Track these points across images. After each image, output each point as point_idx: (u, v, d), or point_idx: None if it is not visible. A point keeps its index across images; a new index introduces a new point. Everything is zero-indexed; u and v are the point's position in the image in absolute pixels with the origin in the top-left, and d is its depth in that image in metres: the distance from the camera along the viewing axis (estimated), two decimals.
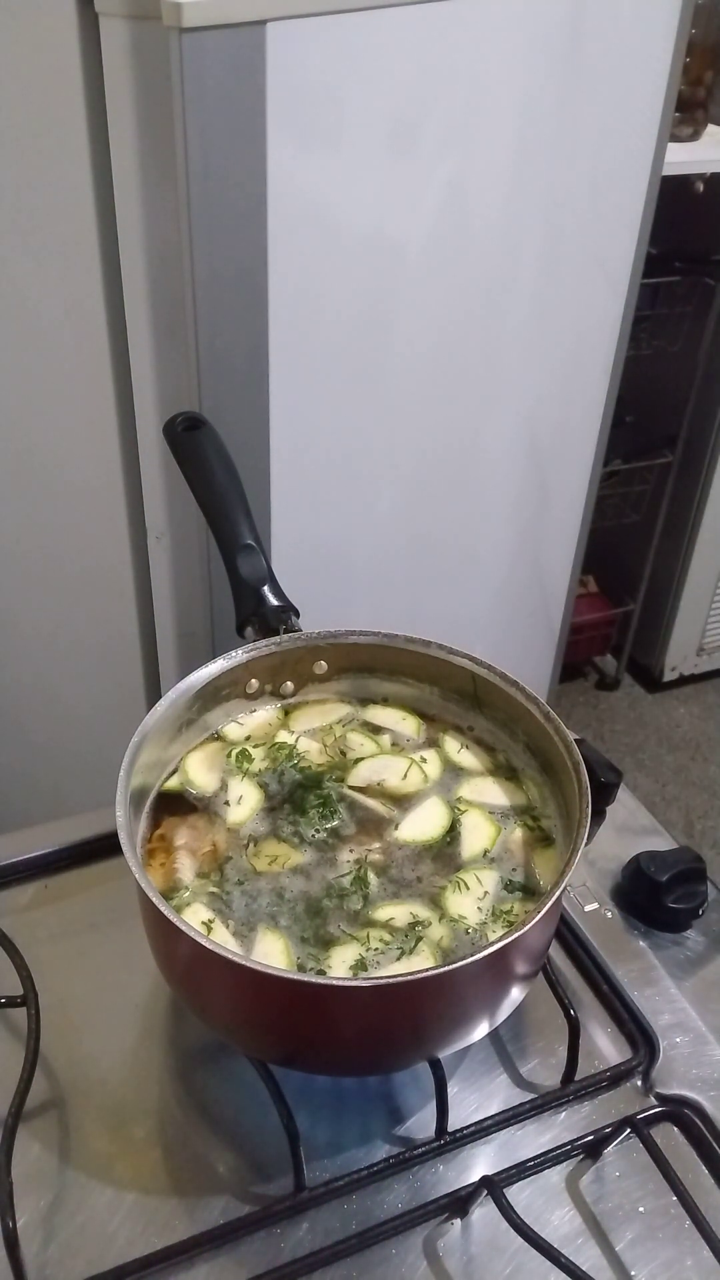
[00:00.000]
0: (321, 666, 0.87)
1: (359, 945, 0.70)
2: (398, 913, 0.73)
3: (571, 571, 1.75)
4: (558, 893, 0.66)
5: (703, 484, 2.20)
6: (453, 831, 0.78)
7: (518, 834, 0.78)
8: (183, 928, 0.63)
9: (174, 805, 0.80)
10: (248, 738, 0.85)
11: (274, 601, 0.87)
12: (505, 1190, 0.69)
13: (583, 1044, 0.76)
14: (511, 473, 1.46)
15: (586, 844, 0.68)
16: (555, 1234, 0.68)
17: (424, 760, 0.84)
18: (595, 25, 1.15)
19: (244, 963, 0.63)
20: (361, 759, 0.84)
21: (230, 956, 0.62)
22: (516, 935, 0.64)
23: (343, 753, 0.84)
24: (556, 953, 0.85)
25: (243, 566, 0.87)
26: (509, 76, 1.11)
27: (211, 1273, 0.67)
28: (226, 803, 0.80)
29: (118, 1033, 0.79)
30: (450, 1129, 0.72)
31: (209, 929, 0.71)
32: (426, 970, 0.62)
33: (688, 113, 1.82)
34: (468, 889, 0.74)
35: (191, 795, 0.81)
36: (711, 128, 1.90)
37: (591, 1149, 0.73)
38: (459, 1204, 0.69)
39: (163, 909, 0.64)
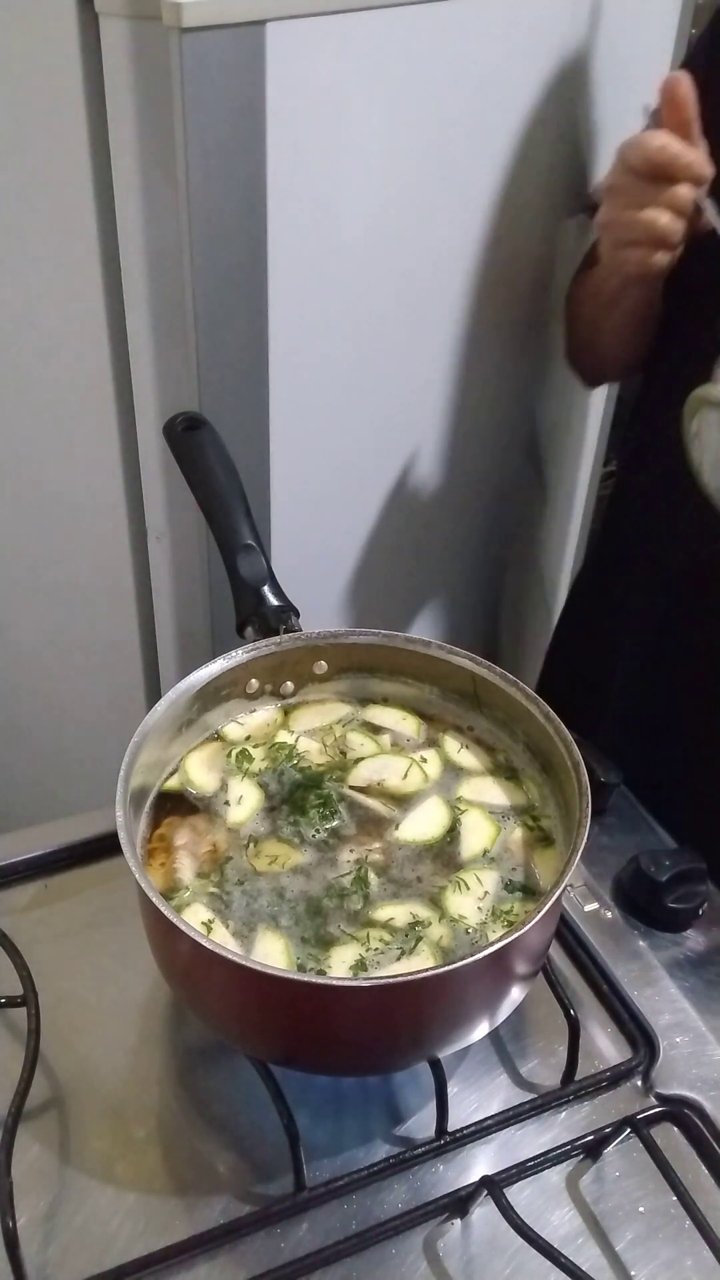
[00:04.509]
0: (321, 666, 0.87)
1: (359, 945, 0.70)
2: (398, 913, 0.73)
3: (571, 571, 1.75)
4: (558, 893, 0.66)
5: None
6: (453, 831, 0.78)
7: (518, 834, 0.78)
8: (183, 928, 0.63)
9: (174, 805, 0.80)
10: (248, 738, 0.85)
11: (274, 601, 0.87)
12: (505, 1190, 0.69)
13: (583, 1044, 0.76)
14: (512, 472, 1.46)
15: (586, 844, 0.68)
16: (555, 1234, 0.68)
17: (424, 760, 0.84)
18: (595, 25, 1.16)
19: (244, 963, 0.63)
20: (361, 759, 0.84)
21: (230, 956, 0.62)
22: (516, 935, 0.64)
23: (343, 753, 0.84)
24: (556, 953, 0.85)
25: (243, 566, 0.87)
26: (509, 76, 1.11)
27: (211, 1273, 0.67)
28: (226, 803, 0.80)
29: (118, 1033, 0.79)
30: (450, 1129, 0.72)
31: (209, 929, 0.71)
32: (426, 970, 0.62)
33: None
34: (468, 889, 0.74)
35: (191, 795, 0.81)
36: None
37: (591, 1149, 0.73)
38: (459, 1204, 0.69)
39: (163, 909, 0.64)
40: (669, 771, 1.04)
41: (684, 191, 0.92)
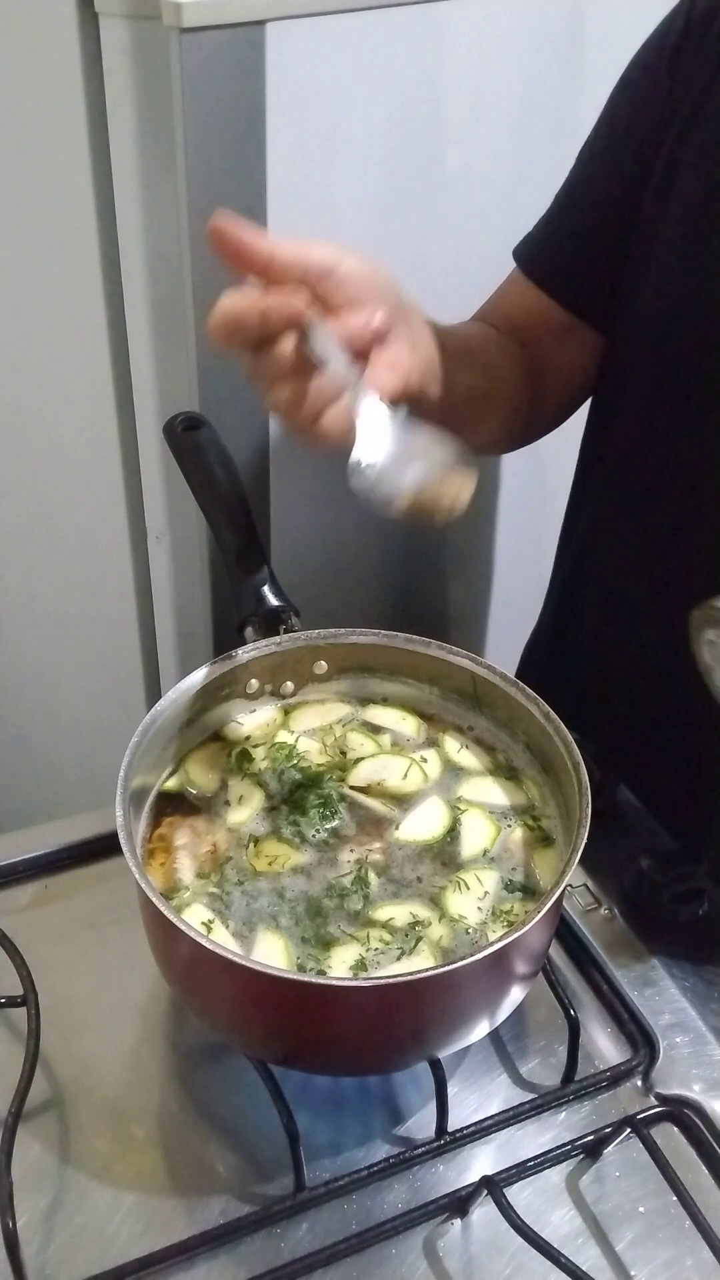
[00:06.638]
0: (321, 666, 0.87)
1: (359, 945, 0.70)
2: (398, 913, 0.73)
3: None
4: (558, 893, 0.66)
5: None
6: (453, 831, 0.78)
7: (518, 834, 0.78)
8: (183, 928, 0.63)
9: (174, 805, 0.80)
10: (248, 738, 0.85)
11: (274, 601, 0.87)
12: (505, 1190, 0.69)
13: (583, 1044, 0.76)
14: (511, 472, 1.46)
15: (586, 844, 0.68)
16: (555, 1234, 0.68)
17: (424, 760, 0.84)
18: (595, 25, 1.16)
19: (244, 963, 0.63)
20: (361, 759, 0.84)
21: (230, 957, 0.62)
22: (516, 935, 0.64)
23: (343, 753, 0.84)
24: (556, 953, 0.85)
25: (243, 566, 0.87)
26: (509, 76, 1.11)
27: (211, 1273, 0.67)
28: (227, 803, 0.80)
29: (118, 1033, 0.79)
30: (450, 1129, 0.72)
31: (209, 929, 0.71)
32: (426, 970, 0.62)
33: None
34: (468, 889, 0.74)
35: (191, 795, 0.81)
36: None
37: (591, 1149, 0.73)
38: (459, 1204, 0.69)
39: (163, 909, 0.64)
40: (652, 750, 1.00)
41: (284, 348, 0.70)
